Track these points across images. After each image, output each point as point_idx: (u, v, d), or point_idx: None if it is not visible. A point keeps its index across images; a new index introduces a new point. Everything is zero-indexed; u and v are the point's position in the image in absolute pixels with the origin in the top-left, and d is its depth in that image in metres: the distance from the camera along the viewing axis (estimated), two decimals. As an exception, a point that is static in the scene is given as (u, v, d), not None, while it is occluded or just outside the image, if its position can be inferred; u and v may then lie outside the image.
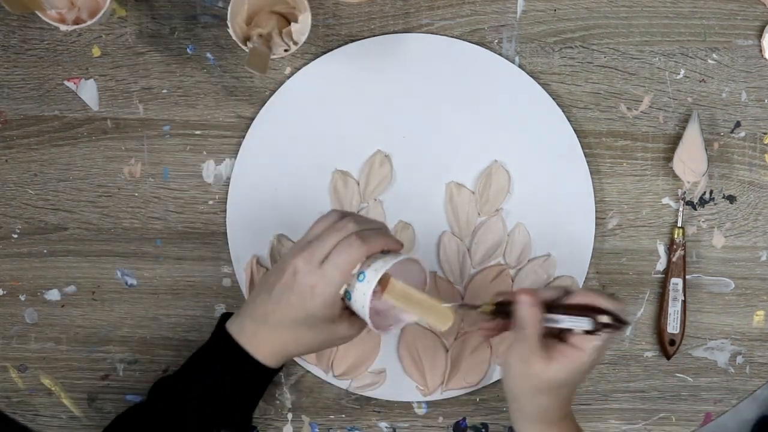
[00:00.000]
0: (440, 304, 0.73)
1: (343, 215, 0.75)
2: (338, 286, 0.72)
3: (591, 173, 0.89)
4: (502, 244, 0.89)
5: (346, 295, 0.73)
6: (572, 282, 0.88)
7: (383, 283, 0.72)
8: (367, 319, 0.72)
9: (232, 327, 0.77)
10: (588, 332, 0.71)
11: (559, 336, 0.73)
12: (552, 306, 0.73)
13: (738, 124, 0.90)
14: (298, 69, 0.89)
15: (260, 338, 0.76)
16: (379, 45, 0.89)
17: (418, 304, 0.73)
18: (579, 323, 0.71)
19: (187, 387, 0.77)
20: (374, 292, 0.71)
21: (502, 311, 0.74)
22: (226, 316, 0.80)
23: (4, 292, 0.90)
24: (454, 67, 0.89)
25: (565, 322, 0.72)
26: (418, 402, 0.90)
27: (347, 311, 0.74)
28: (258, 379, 0.77)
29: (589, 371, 0.74)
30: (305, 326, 0.74)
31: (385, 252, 0.73)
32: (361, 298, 0.71)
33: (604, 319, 0.71)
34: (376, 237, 0.73)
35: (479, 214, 0.89)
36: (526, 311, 0.72)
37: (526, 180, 0.89)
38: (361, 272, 0.72)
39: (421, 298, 0.73)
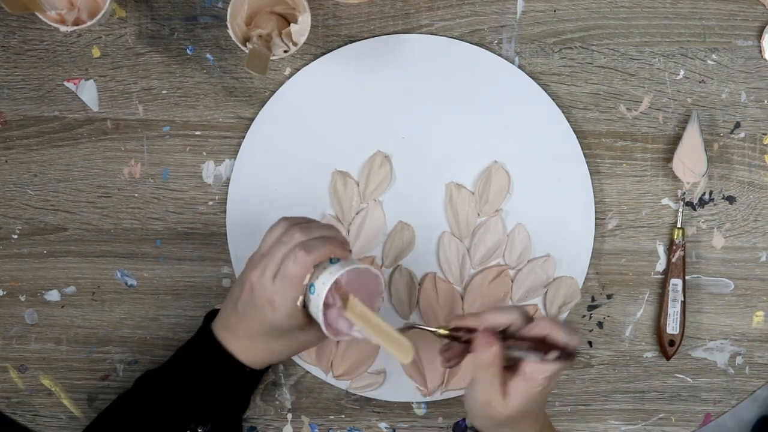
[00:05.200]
0: (396, 333, 0.70)
1: (291, 224, 0.75)
2: (293, 299, 0.72)
3: (590, 174, 0.89)
4: (502, 244, 0.89)
5: (306, 306, 0.73)
6: (572, 283, 0.89)
7: (343, 297, 0.71)
8: (324, 329, 0.71)
9: (215, 327, 0.78)
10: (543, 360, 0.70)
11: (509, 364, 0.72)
12: (507, 333, 0.72)
13: (738, 125, 0.90)
14: (298, 70, 0.89)
15: (236, 344, 0.77)
16: (378, 46, 0.89)
17: (376, 329, 0.71)
18: (529, 356, 0.70)
19: (169, 380, 0.78)
20: (329, 305, 0.71)
21: (457, 337, 0.73)
22: (213, 313, 0.81)
23: (4, 293, 0.90)
24: (454, 67, 0.89)
25: (515, 353, 0.71)
26: (418, 402, 0.90)
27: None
28: (240, 379, 0.78)
29: (545, 397, 0.74)
30: (273, 337, 0.75)
31: (334, 260, 0.72)
32: (315, 311, 0.71)
33: (552, 356, 0.69)
34: (320, 246, 0.72)
35: (479, 214, 0.89)
36: (488, 353, 0.70)
37: (525, 181, 0.89)
38: (311, 284, 0.72)
39: (378, 324, 0.70)
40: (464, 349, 0.74)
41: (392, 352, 0.70)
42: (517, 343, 0.71)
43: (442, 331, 0.74)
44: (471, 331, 0.73)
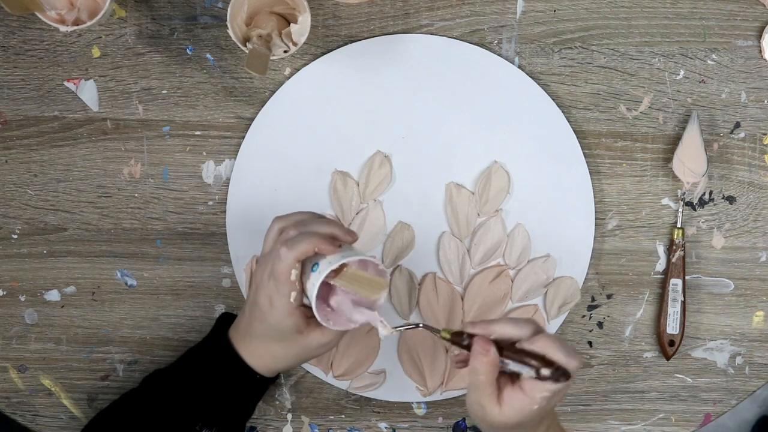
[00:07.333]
0: (378, 278, 0.73)
1: (289, 222, 0.76)
2: (286, 295, 0.73)
3: (590, 174, 0.89)
4: (502, 244, 0.89)
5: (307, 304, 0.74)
6: (572, 283, 0.89)
7: (338, 269, 0.72)
8: (315, 309, 0.72)
9: (231, 331, 0.79)
10: (538, 377, 0.69)
11: (512, 375, 0.71)
12: (506, 344, 0.71)
13: (737, 125, 0.90)
14: (298, 70, 0.89)
15: (245, 348, 0.77)
16: (378, 46, 0.89)
17: (360, 281, 0.72)
18: (524, 370, 0.69)
19: (179, 381, 0.78)
20: (326, 282, 0.72)
21: (458, 342, 0.72)
22: (225, 317, 0.81)
23: (4, 293, 0.90)
24: (454, 67, 0.89)
25: (510, 365, 0.70)
26: (418, 402, 0.90)
27: (315, 320, 0.74)
28: (249, 385, 0.78)
29: (546, 414, 0.72)
30: (273, 339, 0.75)
31: (347, 252, 0.73)
32: (311, 289, 0.72)
33: (545, 372, 0.68)
34: (302, 242, 0.72)
35: (479, 214, 0.89)
36: (481, 362, 0.69)
37: (525, 181, 0.89)
38: (315, 264, 0.72)
39: (364, 276, 0.72)
40: (467, 356, 0.73)
41: (369, 293, 0.73)
42: (515, 356, 0.70)
43: (444, 334, 0.73)
44: (472, 336, 0.72)
